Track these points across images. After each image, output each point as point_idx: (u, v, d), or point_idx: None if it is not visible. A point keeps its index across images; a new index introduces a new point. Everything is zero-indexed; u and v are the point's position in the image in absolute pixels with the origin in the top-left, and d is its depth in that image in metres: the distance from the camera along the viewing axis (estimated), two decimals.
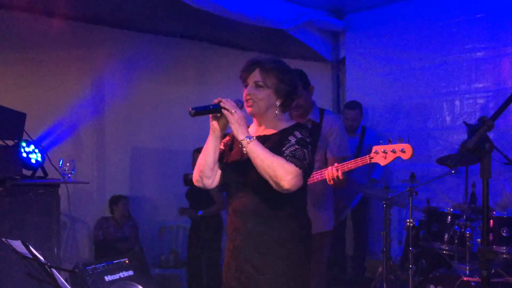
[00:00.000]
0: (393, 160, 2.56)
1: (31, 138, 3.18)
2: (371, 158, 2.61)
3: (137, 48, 4.81)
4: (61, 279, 1.94)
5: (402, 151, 2.52)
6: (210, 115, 2.00)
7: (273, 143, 2.00)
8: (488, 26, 4.18)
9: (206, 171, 2.09)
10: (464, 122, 3.45)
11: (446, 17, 4.43)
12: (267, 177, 1.89)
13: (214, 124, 2.03)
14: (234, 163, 2.08)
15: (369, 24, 5.02)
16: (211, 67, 5.30)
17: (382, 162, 2.58)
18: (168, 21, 4.63)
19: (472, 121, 3.96)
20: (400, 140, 2.55)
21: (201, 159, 2.09)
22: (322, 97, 5.15)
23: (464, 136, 4.17)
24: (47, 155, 3.20)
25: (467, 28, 4.30)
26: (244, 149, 1.92)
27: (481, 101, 4.29)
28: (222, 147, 2.16)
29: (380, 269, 3.83)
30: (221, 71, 5.13)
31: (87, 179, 4.00)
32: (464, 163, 3.55)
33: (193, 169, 4.68)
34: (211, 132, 2.04)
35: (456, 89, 4.42)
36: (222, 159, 2.13)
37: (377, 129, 4.84)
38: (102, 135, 4.81)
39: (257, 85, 2.03)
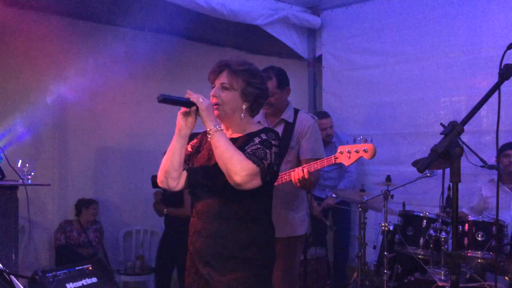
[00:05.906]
0: (356, 160, 2.64)
1: None
2: (336, 158, 2.67)
3: (103, 41, 4.64)
4: (20, 286, 1.84)
5: (365, 151, 2.58)
6: (179, 113, 1.99)
7: (239, 145, 2.01)
8: (465, 28, 4.16)
9: (171, 172, 2.05)
10: (441, 124, 3.39)
11: (423, 17, 4.39)
12: (223, 168, 1.92)
13: (181, 122, 2.01)
14: (201, 165, 2.09)
15: (346, 21, 4.96)
16: (183, 62, 5.18)
17: (346, 162, 2.65)
18: (137, 14, 4.50)
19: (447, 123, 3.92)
20: (364, 140, 2.63)
21: (166, 159, 2.06)
22: (298, 96, 5.08)
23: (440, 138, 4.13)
24: (5, 155, 3.05)
25: (444, 29, 4.27)
26: (209, 137, 1.94)
27: (455, 103, 4.25)
28: (190, 149, 2.16)
29: (355, 274, 3.78)
30: (193, 67, 5.01)
31: (48, 181, 3.93)
32: (440, 166, 3.50)
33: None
34: (176, 130, 2.02)
35: (431, 90, 4.37)
36: (189, 162, 2.14)
37: (352, 130, 4.76)
38: (64, 134, 4.63)
39: (223, 87, 2.05)
